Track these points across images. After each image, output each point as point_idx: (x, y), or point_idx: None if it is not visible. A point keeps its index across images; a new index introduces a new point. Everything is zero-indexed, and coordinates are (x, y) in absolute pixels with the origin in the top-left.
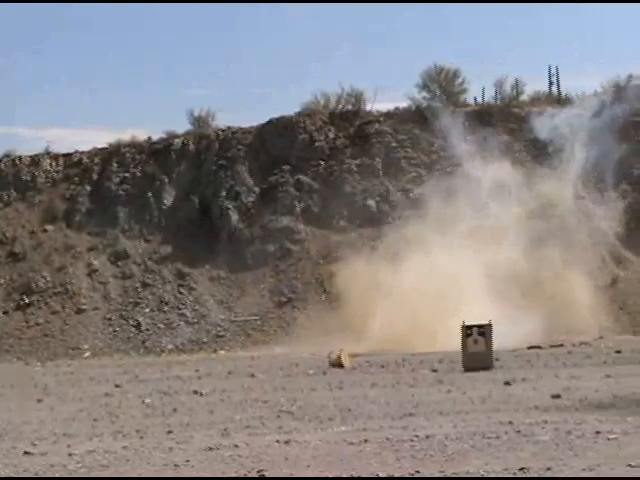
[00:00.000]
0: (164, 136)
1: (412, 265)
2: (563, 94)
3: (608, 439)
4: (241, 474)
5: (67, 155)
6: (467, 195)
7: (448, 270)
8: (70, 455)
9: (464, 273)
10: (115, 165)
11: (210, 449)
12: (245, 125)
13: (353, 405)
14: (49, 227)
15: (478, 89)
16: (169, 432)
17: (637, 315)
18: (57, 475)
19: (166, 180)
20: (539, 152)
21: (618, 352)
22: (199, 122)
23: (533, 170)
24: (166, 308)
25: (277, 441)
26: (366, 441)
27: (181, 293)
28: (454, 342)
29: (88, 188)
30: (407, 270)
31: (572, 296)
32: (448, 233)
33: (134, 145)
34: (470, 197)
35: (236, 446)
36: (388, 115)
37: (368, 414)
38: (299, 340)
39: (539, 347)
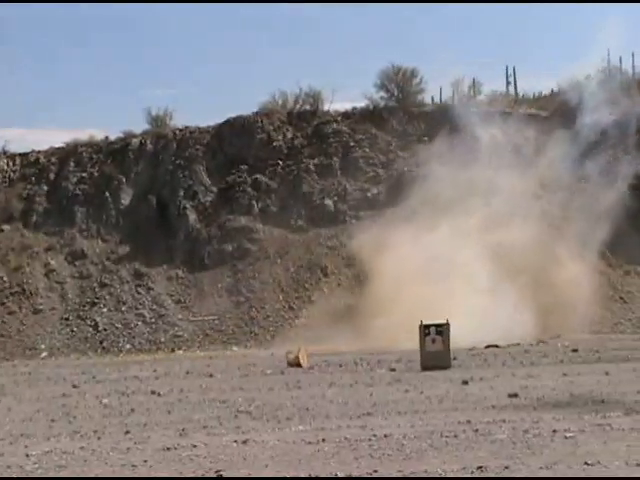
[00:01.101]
0: (122, 136)
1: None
2: (520, 94)
3: (565, 438)
4: (199, 474)
5: (24, 155)
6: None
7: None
8: (27, 456)
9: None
10: (72, 165)
11: (168, 449)
12: (203, 125)
13: (311, 405)
14: (5, 227)
15: (435, 89)
16: (127, 432)
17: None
18: (14, 476)
19: (124, 180)
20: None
21: (575, 351)
22: (157, 122)
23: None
24: (124, 308)
25: (235, 441)
26: (324, 440)
27: (139, 293)
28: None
29: (45, 188)
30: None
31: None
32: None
33: (91, 145)
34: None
35: (194, 446)
36: (346, 115)
37: (326, 414)
38: (257, 340)
39: (496, 346)
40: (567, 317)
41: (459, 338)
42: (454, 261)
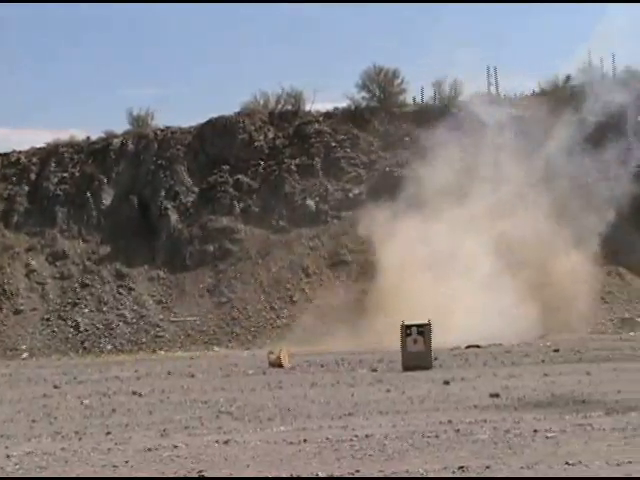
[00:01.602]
0: (103, 136)
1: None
2: (502, 94)
3: (546, 438)
4: (180, 474)
5: (5, 155)
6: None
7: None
8: (8, 457)
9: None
10: (53, 165)
11: (149, 450)
12: (184, 125)
13: (293, 405)
14: None
15: (417, 89)
16: (108, 433)
17: None
18: None
19: (105, 180)
20: (478, 151)
21: (556, 351)
22: (138, 122)
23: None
24: (105, 308)
25: (216, 441)
26: (305, 441)
27: (120, 293)
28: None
29: (26, 188)
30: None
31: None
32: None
33: (72, 145)
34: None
35: (175, 447)
36: (327, 115)
37: (307, 414)
38: (239, 340)
39: (478, 346)
40: (570, 314)
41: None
42: (455, 256)
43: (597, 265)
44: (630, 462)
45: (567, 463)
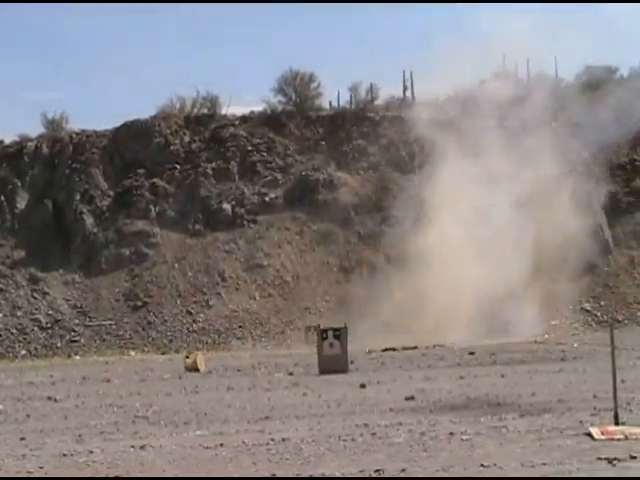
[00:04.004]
0: (17, 139)
1: None
2: (417, 99)
3: (462, 440)
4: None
5: None
6: None
7: None
8: None
9: None
10: None
11: (64, 455)
12: (99, 128)
13: (209, 409)
14: None
15: (334, 93)
16: (22, 439)
17: None
18: None
19: (19, 184)
20: (392, 156)
21: (471, 354)
22: (53, 125)
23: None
24: (19, 313)
25: (132, 446)
26: (222, 445)
27: (34, 298)
28: None
29: None
30: None
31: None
32: None
33: None
34: None
35: (91, 452)
36: (243, 119)
37: (224, 418)
38: (155, 344)
39: (394, 349)
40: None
41: None
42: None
43: None
44: (544, 464)
45: (482, 465)
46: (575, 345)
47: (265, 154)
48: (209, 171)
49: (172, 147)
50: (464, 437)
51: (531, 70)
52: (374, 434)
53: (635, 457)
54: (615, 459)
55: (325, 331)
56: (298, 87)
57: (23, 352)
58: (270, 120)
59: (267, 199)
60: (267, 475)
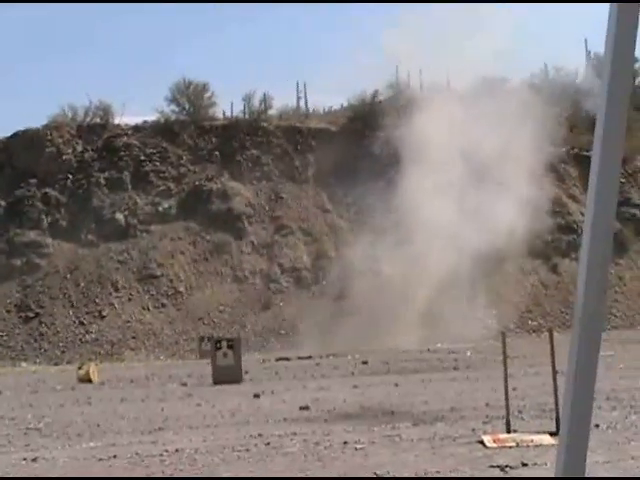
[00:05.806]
0: None
1: None
2: (311, 109)
3: (355, 449)
4: None
5: None
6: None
7: None
8: None
9: None
10: None
11: None
12: None
13: (102, 420)
14: None
15: (227, 103)
16: None
17: None
18: None
19: None
20: (286, 166)
21: (365, 363)
22: None
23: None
24: None
25: (24, 459)
26: (115, 457)
27: None
28: None
29: None
30: None
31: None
32: None
33: None
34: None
35: None
36: (136, 128)
37: (117, 429)
38: (47, 356)
39: (287, 359)
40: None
41: None
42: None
43: None
44: (438, 472)
45: (376, 474)
46: (468, 354)
47: (158, 164)
48: (102, 181)
49: (64, 156)
50: (358, 446)
51: (423, 80)
52: (268, 444)
53: (526, 464)
54: (507, 466)
55: (219, 341)
56: (192, 96)
57: None
58: (163, 130)
59: (160, 209)
60: None
